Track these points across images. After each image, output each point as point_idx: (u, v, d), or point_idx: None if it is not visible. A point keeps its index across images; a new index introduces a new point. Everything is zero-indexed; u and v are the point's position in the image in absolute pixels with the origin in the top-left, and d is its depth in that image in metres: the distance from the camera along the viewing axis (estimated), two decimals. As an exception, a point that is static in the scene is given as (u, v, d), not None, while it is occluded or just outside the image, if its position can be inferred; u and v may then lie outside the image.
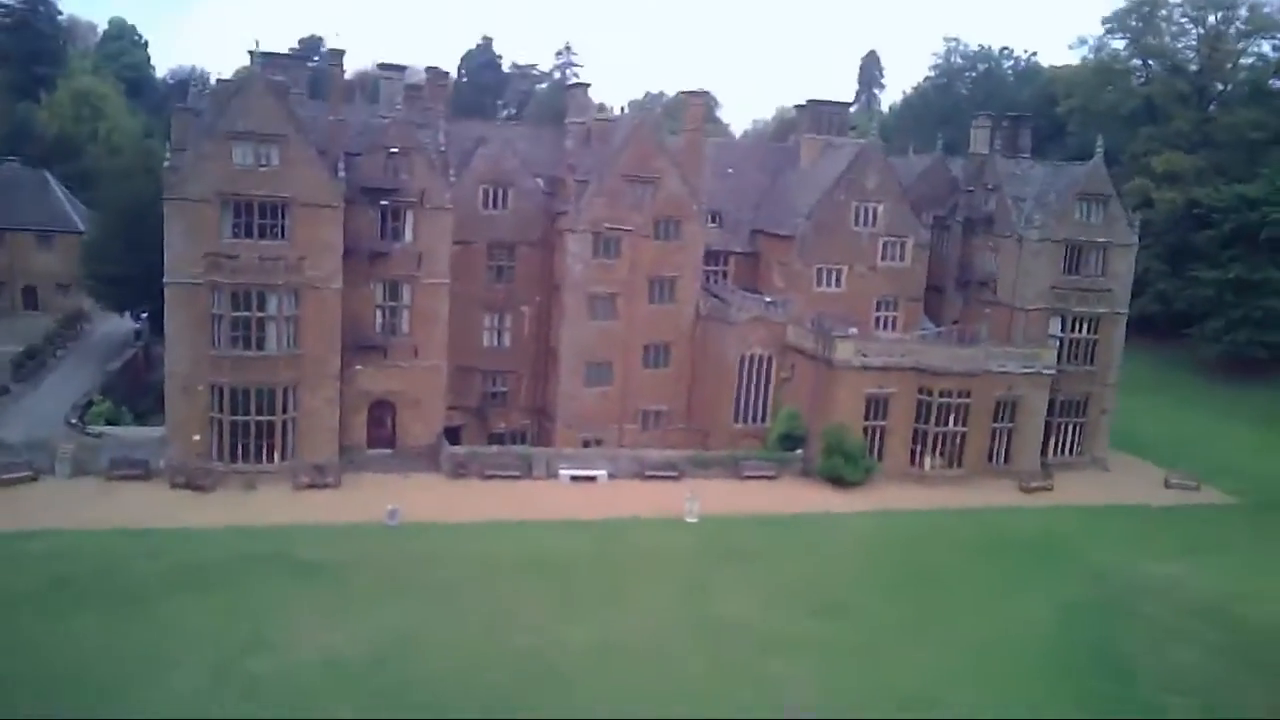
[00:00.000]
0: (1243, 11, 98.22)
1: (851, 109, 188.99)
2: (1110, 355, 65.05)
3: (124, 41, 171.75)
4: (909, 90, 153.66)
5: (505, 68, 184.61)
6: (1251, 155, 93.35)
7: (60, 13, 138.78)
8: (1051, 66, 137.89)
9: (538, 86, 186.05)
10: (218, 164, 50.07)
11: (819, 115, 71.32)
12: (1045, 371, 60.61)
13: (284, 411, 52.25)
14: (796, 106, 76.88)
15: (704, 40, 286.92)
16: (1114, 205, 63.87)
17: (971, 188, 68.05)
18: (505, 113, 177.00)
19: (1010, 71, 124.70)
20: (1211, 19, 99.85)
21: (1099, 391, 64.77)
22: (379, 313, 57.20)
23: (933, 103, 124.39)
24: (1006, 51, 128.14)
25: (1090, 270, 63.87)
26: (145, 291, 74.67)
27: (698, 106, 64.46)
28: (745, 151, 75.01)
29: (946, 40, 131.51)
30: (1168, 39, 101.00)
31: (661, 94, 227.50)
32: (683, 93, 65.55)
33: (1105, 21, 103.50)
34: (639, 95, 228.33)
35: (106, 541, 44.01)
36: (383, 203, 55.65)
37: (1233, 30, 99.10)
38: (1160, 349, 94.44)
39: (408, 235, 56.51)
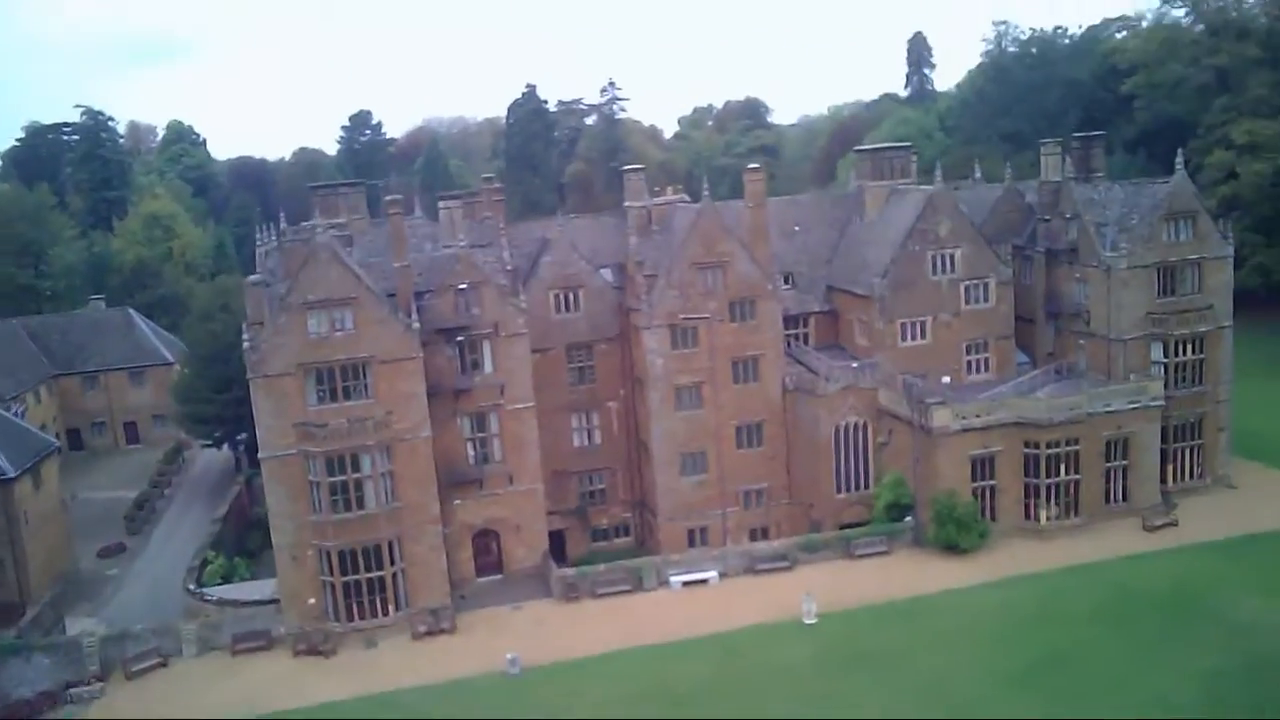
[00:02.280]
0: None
1: (904, 94, 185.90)
2: (1220, 371, 62.30)
3: (183, 144, 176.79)
4: (961, 78, 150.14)
5: (552, 106, 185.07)
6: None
7: (121, 137, 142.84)
8: (1112, 26, 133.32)
9: (585, 121, 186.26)
10: (295, 336, 50.69)
11: (880, 161, 69.66)
12: (1153, 404, 58.30)
13: (392, 564, 52.67)
14: (856, 151, 75.32)
15: (745, 47, 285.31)
16: (1203, 220, 61.15)
17: (1048, 216, 65.75)
18: (556, 151, 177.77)
19: (1066, 50, 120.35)
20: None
21: (1213, 410, 62.11)
22: (469, 445, 57.54)
23: (989, 96, 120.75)
24: (1060, 30, 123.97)
25: (1187, 289, 61.23)
26: (237, 426, 76.64)
27: (757, 181, 63.21)
28: (809, 207, 73.46)
29: (995, 25, 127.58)
30: (1229, 1, 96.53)
31: (710, 106, 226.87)
32: (744, 170, 64.61)
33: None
34: (687, 111, 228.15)
35: (240, 735, 44.74)
36: (458, 339, 55.87)
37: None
38: (1266, 323, 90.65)
39: (487, 366, 56.78)
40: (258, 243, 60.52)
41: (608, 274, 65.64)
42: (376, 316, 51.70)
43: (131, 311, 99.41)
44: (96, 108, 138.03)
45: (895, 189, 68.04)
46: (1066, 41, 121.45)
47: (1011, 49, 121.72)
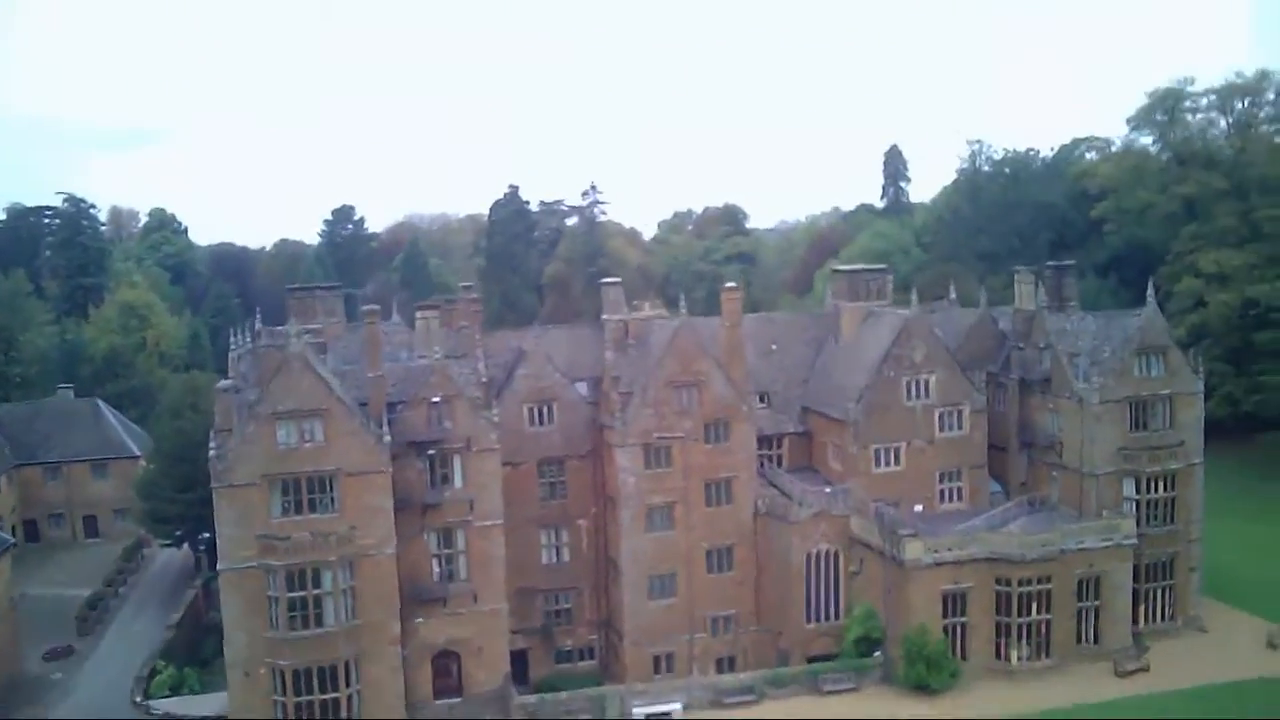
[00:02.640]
0: (1270, 95, 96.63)
1: (880, 204, 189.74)
2: (1191, 509, 62.27)
3: (165, 231, 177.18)
4: (937, 193, 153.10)
5: (534, 205, 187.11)
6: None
7: (103, 224, 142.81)
8: (1081, 145, 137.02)
9: (566, 222, 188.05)
10: (262, 446, 49.95)
11: (856, 282, 70.26)
12: (1126, 543, 58.08)
13: (347, 686, 51.07)
14: (833, 271, 76.13)
15: (726, 153, 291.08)
16: (1174, 355, 61.80)
17: (1022, 345, 66.28)
18: (536, 251, 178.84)
19: (1038, 171, 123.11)
20: (1239, 105, 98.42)
21: (1184, 549, 61.83)
22: (435, 561, 56.35)
23: (964, 215, 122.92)
24: (1033, 152, 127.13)
25: (1158, 425, 61.52)
26: (199, 525, 75.01)
27: (734, 300, 63.46)
28: (786, 326, 73.71)
29: (970, 144, 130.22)
30: (1195, 131, 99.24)
31: (690, 211, 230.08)
32: (722, 289, 64.97)
33: (1130, 120, 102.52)
34: (667, 215, 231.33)
35: None
36: (429, 452, 55.16)
37: (1262, 114, 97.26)
38: (1235, 454, 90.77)
39: (457, 481, 55.90)
40: (231, 345, 59.86)
41: (583, 388, 65.37)
42: (347, 428, 51.08)
43: (99, 402, 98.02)
44: (79, 194, 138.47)
45: (871, 311, 68.51)
46: (1038, 165, 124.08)
47: (985, 168, 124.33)
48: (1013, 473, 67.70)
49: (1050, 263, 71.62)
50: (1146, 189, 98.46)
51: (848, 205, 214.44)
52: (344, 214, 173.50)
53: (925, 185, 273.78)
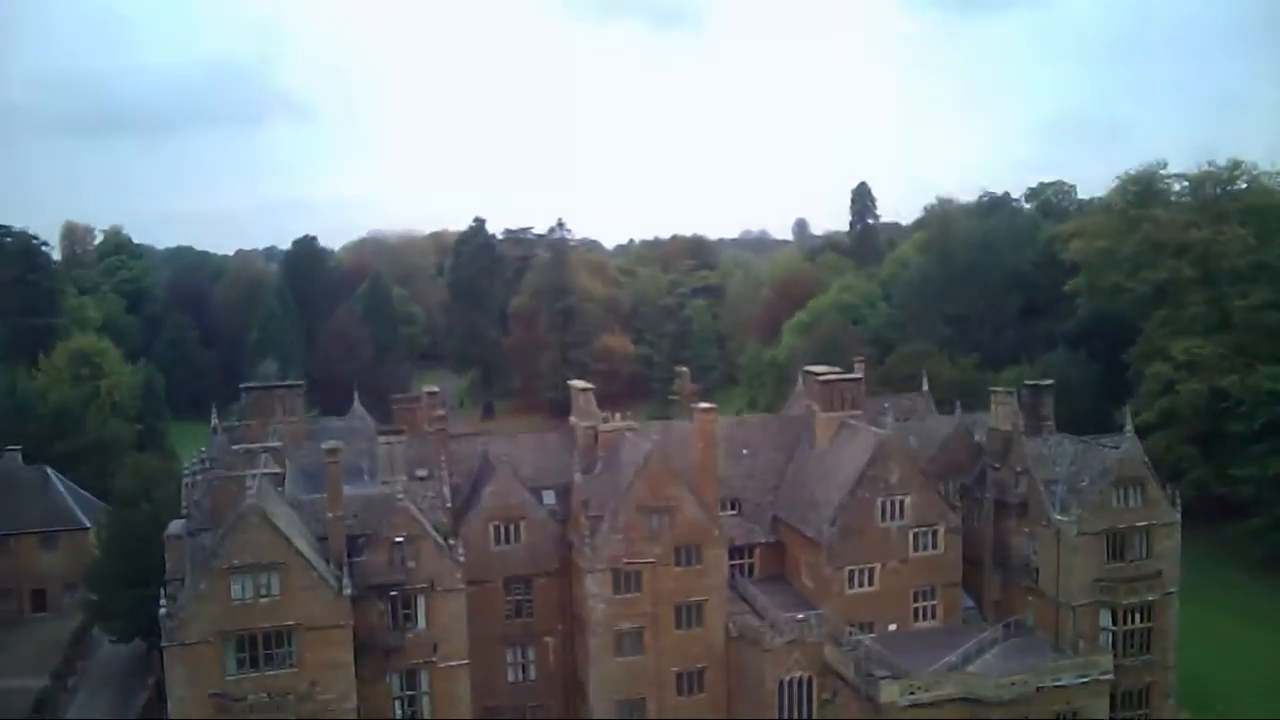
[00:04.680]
0: (1241, 185, 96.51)
1: (846, 234, 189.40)
2: (1168, 637, 61.58)
3: (121, 255, 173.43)
4: (905, 239, 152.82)
5: (499, 234, 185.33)
6: (1271, 336, 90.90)
7: (55, 262, 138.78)
8: (1048, 190, 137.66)
9: (535, 252, 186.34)
10: (216, 602, 47.73)
11: (830, 391, 68.72)
12: (1103, 678, 57.30)
13: None
14: (804, 371, 74.84)
15: (694, 179, 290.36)
16: (1151, 486, 61.06)
17: (998, 465, 65.31)
18: (501, 280, 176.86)
19: (1008, 236, 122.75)
20: (1212, 191, 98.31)
21: (1161, 677, 61.20)
22: (397, 704, 54.42)
23: (933, 278, 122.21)
24: (999, 195, 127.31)
25: (1135, 555, 60.75)
26: (151, 620, 72.41)
27: (708, 421, 61.96)
28: (758, 428, 72.08)
29: (941, 200, 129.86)
30: (1167, 218, 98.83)
31: (656, 238, 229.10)
32: (696, 409, 63.22)
33: (1102, 201, 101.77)
34: (635, 243, 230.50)
35: None
36: (392, 594, 53.19)
37: (1233, 210, 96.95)
38: (1203, 540, 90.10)
39: (420, 622, 53.98)
40: (185, 472, 57.32)
41: (550, 496, 63.92)
42: (305, 581, 48.94)
43: (48, 470, 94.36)
44: (29, 221, 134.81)
45: (845, 423, 67.20)
46: (1005, 222, 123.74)
47: (954, 214, 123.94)
48: (987, 589, 66.65)
49: (1028, 382, 71.01)
50: (1118, 271, 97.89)
51: (815, 226, 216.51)
52: (306, 244, 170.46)
53: (892, 212, 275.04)
